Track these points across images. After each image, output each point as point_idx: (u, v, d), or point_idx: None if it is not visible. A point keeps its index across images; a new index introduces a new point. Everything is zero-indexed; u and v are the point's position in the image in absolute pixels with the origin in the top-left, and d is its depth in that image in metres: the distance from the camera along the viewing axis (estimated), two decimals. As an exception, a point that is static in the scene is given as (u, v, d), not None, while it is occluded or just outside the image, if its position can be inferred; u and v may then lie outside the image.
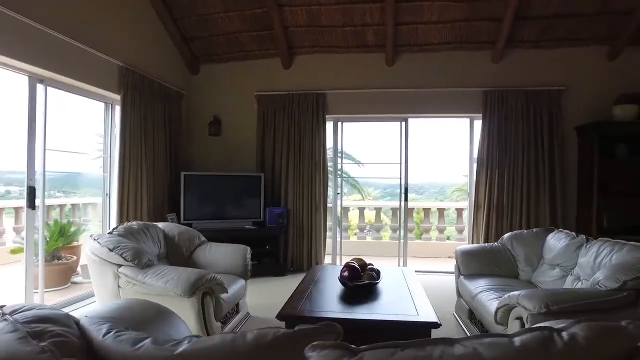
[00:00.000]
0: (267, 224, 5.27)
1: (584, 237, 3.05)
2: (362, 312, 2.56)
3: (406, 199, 5.63)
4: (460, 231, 7.12)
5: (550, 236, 3.44)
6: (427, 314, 2.40)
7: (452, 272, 3.86)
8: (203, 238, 3.71)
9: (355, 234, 7.86)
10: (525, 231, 3.72)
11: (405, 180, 5.60)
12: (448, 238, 7.78)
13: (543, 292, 2.33)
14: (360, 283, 2.89)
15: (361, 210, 7.66)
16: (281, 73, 5.71)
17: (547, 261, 3.29)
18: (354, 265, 3.03)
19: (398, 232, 5.78)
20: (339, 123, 5.75)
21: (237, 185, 5.32)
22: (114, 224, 4.16)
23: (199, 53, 5.71)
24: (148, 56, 4.86)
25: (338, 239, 5.86)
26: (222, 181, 5.27)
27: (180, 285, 2.50)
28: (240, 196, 5.30)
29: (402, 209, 5.65)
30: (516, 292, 2.31)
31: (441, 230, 7.15)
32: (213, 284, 2.67)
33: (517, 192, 5.13)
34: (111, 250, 2.67)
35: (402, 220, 5.68)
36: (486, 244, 3.85)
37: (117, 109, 4.38)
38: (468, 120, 5.58)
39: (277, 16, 5.00)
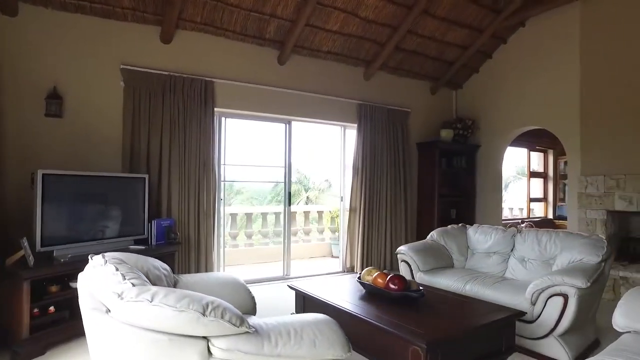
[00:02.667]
0: (153, 241, 3.98)
1: (514, 228, 3.95)
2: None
3: (289, 204, 5.46)
4: (320, 232, 7.61)
5: (471, 231, 4.24)
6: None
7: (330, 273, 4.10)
8: (167, 269, 2.52)
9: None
10: (449, 227, 4.39)
11: (289, 185, 5.43)
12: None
13: (575, 272, 2.90)
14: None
15: (248, 215, 7.13)
16: (158, 47, 4.45)
17: (481, 250, 4.04)
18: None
19: (283, 237, 5.51)
20: (223, 119, 4.99)
21: (113, 191, 3.78)
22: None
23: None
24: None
25: (222, 248, 5.04)
26: (91, 185, 3.61)
27: (331, 340, 1.69)
28: (116, 206, 3.79)
29: (286, 214, 5.44)
30: (556, 276, 2.83)
31: (307, 232, 7.47)
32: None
33: (383, 195, 5.89)
34: (203, 314, 1.50)
35: (286, 225, 5.46)
36: (424, 241, 4.28)
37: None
38: (341, 128, 5.96)
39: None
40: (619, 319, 2.37)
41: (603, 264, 3.04)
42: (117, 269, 1.72)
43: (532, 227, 7.69)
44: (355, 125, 5.75)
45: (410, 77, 6.33)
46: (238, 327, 1.55)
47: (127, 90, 4.22)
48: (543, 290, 2.89)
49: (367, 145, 5.76)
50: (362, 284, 2.99)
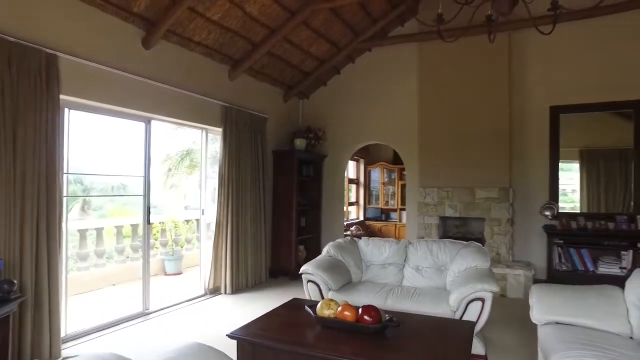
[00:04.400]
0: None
1: (407, 240, 4.32)
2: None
3: (149, 220, 4.42)
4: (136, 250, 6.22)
5: (362, 244, 4.40)
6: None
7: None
8: None
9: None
10: (342, 241, 4.41)
11: (148, 197, 4.40)
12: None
13: (487, 278, 3.36)
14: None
15: (99, 231, 5.57)
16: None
17: (377, 263, 4.24)
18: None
19: (143, 262, 4.38)
20: (67, 110, 3.60)
21: None
22: None
23: None
24: None
25: (65, 274, 3.59)
26: None
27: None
28: None
29: (145, 228, 4.39)
30: (476, 284, 3.25)
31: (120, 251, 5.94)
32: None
33: (248, 207, 5.48)
34: None
35: (145, 241, 4.40)
36: (323, 258, 4.14)
37: None
38: (202, 132, 5.22)
39: None
40: (537, 314, 2.93)
41: (491, 267, 3.69)
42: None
43: (360, 230, 8.65)
44: (220, 129, 5.14)
45: (267, 83, 6.11)
46: None
47: None
48: (465, 297, 3.28)
49: (233, 153, 5.24)
50: (322, 320, 2.68)
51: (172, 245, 6.86)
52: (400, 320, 2.64)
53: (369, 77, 6.56)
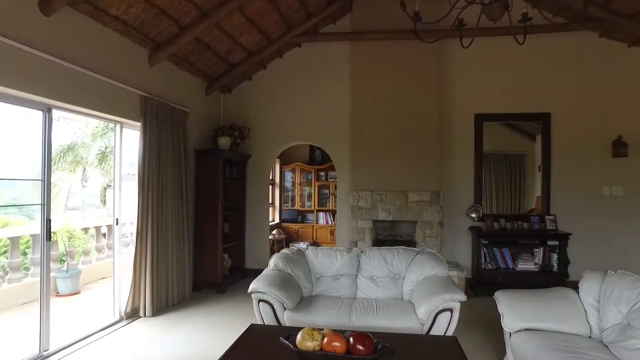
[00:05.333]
0: None
1: (358, 249, 4.08)
2: None
3: (49, 237, 3.47)
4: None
5: (310, 254, 4.05)
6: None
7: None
8: None
9: None
10: (289, 252, 4.00)
11: (48, 206, 3.46)
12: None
13: (453, 287, 3.29)
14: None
15: None
16: None
17: (328, 274, 3.93)
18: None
19: (41, 278, 3.38)
20: None
21: None
22: None
23: None
24: None
25: None
26: None
27: None
28: None
29: (43, 246, 3.44)
30: (445, 294, 3.16)
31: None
32: None
33: (170, 214, 4.74)
34: None
35: (45, 255, 3.43)
36: (271, 272, 3.67)
37: None
38: (116, 125, 4.34)
39: None
40: (509, 322, 2.95)
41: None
42: None
43: (281, 234, 8.25)
44: (138, 124, 4.34)
45: (190, 72, 5.40)
46: None
47: None
48: (434, 309, 3.18)
49: (154, 152, 4.48)
50: (306, 355, 2.29)
51: (67, 259, 5.66)
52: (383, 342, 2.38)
53: (297, 74, 6.23)
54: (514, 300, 3.08)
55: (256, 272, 6.21)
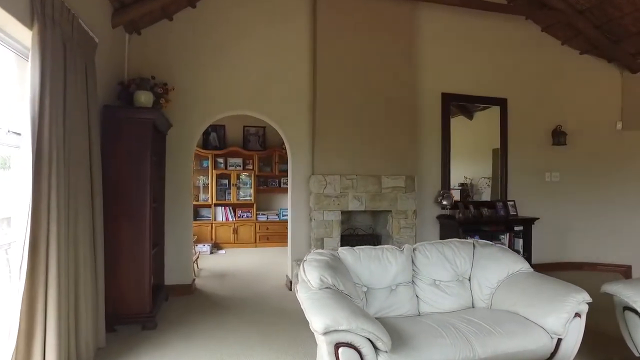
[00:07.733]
0: None
1: (409, 245, 2.99)
2: None
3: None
4: None
5: (350, 258, 2.80)
6: None
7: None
8: None
9: None
10: (328, 259, 2.63)
11: None
12: None
13: (572, 286, 2.55)
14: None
15: None
16: None
17: (381, 286, 2.76)
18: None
19: None
20: None
21: None
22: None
23: None
24: None
25: None
26: None
27: None
28: None
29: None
30: (573, 295, 2.43)
31: None
32: None
33: (79, 205, 2.74)
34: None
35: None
36: (329, 294, 2.28)
37: None
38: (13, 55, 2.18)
39: None
40: None
41: (526, 269, 2.97)
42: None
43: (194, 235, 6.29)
44: (27, 35, 2.30)
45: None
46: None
47: None
48: (570, 316, 2.41)
49: (59, 94, 2.47)
50: None
51: None
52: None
53: (239, 23, 4.68)
54: None
55: (181, 292, 4.51)
